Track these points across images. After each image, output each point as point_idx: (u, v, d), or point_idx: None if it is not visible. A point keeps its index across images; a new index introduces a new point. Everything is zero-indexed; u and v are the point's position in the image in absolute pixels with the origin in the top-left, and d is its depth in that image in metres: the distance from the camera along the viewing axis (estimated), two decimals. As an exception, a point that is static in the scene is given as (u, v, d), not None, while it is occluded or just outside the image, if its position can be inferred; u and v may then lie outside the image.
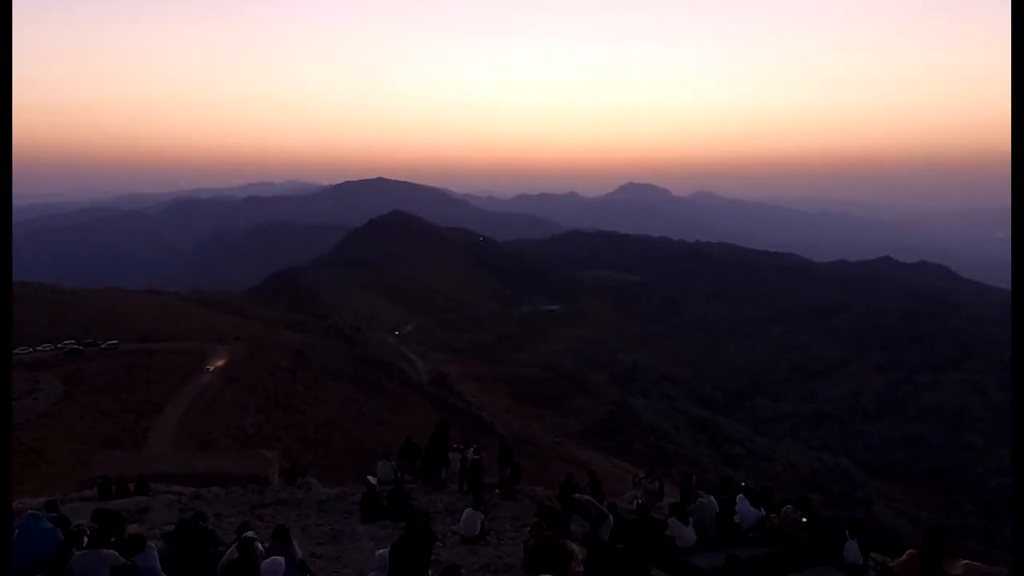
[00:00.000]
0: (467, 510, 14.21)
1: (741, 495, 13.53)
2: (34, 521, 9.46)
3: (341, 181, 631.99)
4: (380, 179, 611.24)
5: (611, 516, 12.57)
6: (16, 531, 9.10)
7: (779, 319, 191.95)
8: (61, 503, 14.87)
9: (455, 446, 21.24)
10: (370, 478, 20.71)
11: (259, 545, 9.96)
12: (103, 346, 79.06)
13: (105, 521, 11.15)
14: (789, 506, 12.74)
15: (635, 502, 15.64)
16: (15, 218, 5.66)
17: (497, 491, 19.58)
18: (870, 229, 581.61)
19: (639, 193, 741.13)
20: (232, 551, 9.65)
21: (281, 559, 9.23)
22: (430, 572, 9.84)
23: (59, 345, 78.18)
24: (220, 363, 78.48)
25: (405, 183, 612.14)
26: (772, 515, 12.69)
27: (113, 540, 9.76)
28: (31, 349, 74.93)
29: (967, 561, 10.23)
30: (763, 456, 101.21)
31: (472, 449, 19.43)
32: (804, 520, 12.38)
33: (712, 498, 13.14)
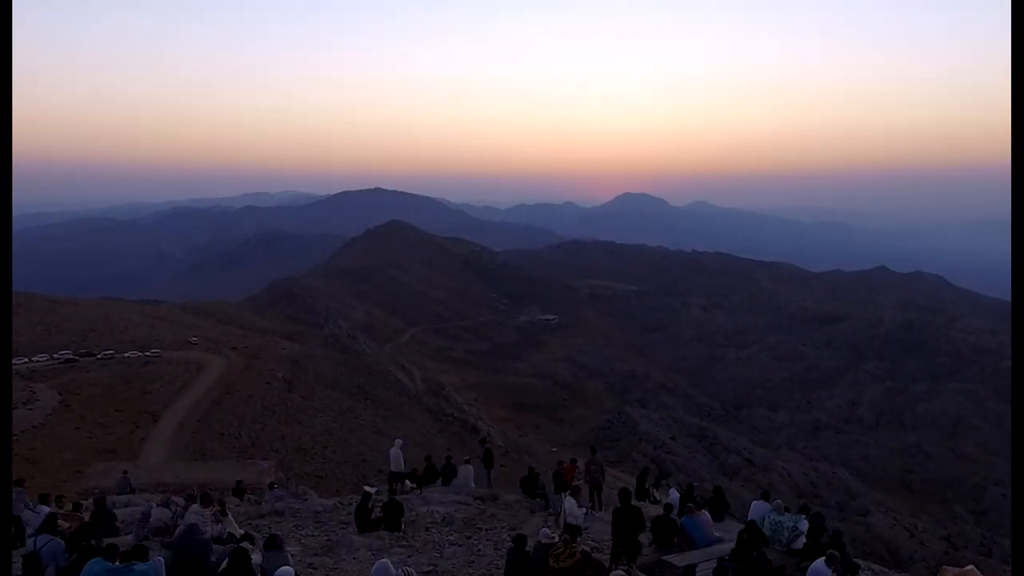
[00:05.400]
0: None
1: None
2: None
3: (338, 191, 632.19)
4: (377, 189, 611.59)
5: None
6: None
7: (776, 329, 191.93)
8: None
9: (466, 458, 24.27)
10: (366, 488, 20.66)
11: (255, 555, 9.95)
12: (99, 356, 78.75)
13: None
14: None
15: None
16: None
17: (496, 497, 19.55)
18: (866, 238, 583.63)
19: (636, 203, 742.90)
20: (225, 560, 9.66)
21: (292, 570, 9.23)
22: None
23: (55, 355, 77.93)
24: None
25: (402, 193, 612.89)
26: None
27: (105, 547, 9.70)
28: (27, 359, 74.67)
29: (957, 569, 10.19)
30: (760, 466, 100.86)
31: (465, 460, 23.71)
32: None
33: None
